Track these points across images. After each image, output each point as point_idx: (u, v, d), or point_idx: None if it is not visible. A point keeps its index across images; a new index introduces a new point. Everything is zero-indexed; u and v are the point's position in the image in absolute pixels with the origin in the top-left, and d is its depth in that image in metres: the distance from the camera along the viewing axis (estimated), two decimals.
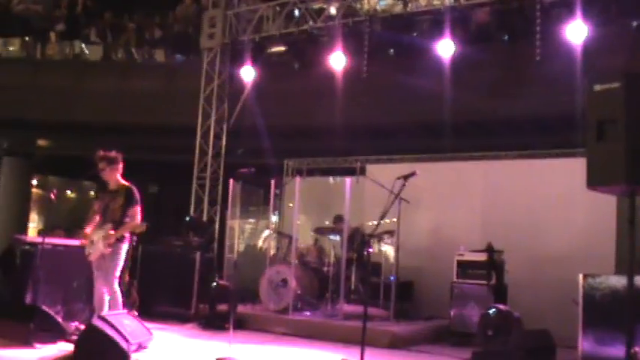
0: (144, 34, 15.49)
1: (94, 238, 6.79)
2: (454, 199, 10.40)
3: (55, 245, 8.11)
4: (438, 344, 8.52)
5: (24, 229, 15.90)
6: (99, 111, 14.16)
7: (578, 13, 9.12)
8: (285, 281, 9.29)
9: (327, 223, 10.40)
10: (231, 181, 10.72)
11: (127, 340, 6.01)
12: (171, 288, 9.79)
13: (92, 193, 17.99)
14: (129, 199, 6.87)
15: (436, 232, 10.40)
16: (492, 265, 8.57)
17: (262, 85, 12.02)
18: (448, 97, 10.60)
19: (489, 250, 8.64)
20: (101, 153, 7.03)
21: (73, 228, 10.79)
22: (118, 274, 6.86)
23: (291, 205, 10.70)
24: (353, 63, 10.95)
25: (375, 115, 12.36)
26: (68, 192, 19.60)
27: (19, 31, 15.64)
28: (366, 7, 11.17)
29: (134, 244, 7.41)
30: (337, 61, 10.92)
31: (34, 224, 17.76)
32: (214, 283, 9.46)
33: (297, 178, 10.40)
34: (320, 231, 10.24)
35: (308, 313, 9.31)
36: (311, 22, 11.44)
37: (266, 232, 10.79)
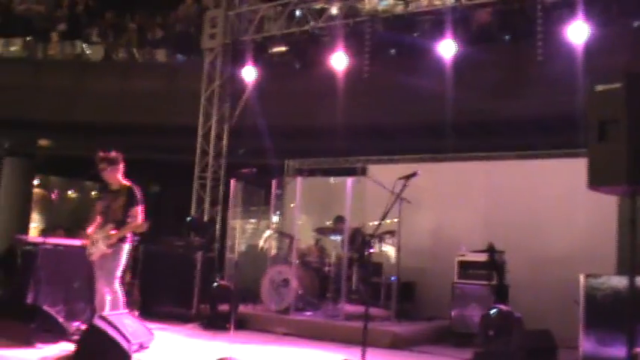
0: (145, 34, 15.52)
1: (96, 238, 6.79)
2: (455, 199, 10.39)
3: (56, 245, 8.11)
4: (439, 344, 8.51)
5: (25, 229, 15.94)
6: (100, 111, 14.18)
7: (580, 13, 9.12)
8: (286, 281, 9.29)
9: (328, 223, 10.40)
10: (232, 181, 10.73)
11: (128, 340, 6.01)
12: (172, 288, 9.79)
13: (93, 193, 18.03)
14: (131, 198, 6.87)
15: (437, 233, 10.38)
16: (494, 265, 8.55)
17: (263, 85, 12.03)
18: (449, 97, 10.59)
19: (491, 250, 8.62)
20: (101, 154, 7.02)
21: (75, 228, 10.81)
22: (119, 274, 6.86)
23: (292, 205, 10.70)
24: (354, 63, 10.96)
25: (376, 115, 12.37)
26: (69, 192, 19.64)
27: (20, 31, 15.67)
28: (367, 7, 11.18)
29: (136, 244, 7.41)
30: (338, 61, 10.92)
31: (35, 224, 17.79)
32: (215, 283, 9.46)
33: (299, 178, 10.39)
34: (321, 231, 10.23)
35: (309, 314, 9.30)
36: (312, 23, 11.44)
37: (267, 232, 10.77)
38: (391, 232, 9.17)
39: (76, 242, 7.79)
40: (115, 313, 6.56)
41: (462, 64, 10.41)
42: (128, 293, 7.45)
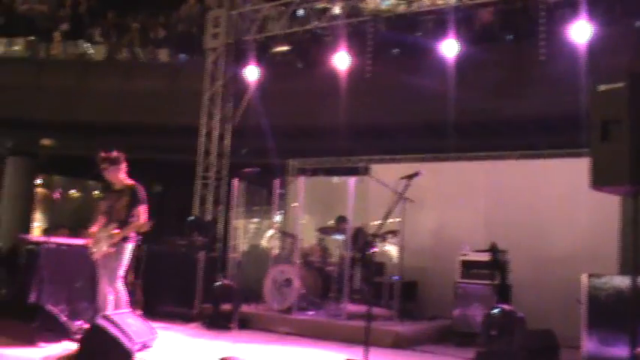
0: (148, 34, 15.54)
1: (99, 238, 6.80)
2: (458, 199, 10.38)
3: (59, 244, 8.11)
4: (441, 344, 8.51)
5: (28, 229, 15.97)
6: (103, 111, 14.21)
7: (583, 13, 9.10)
8: (288, 281, 9.29)
9: (330, 222, 10.40)
10: (235, 180, 10.73)
11: (130, 340, 6.01)
12: (175, 287, 9.80)
13: (96, 192, 18.05)
14: (134, 198, 6.87)
15: (440, 232, 10.38)
16: (496, 264, 8.54)
17: (266, 84, 12.02)
18: (452, 97, 10.59)
19: (493, 249, 8.61)
20: (102, 154, 7.03)
21: (77, 227, 10.83)
22: (122, 273, 6.87)
23: (294, 204, 10.70)
24: (357, 63, 10.95)
25: (378, 114, 12.37)
26: (72, 191, 19.66)
27: (23, 30, 15.71)
28: (369, 6, 11.17)
29: (139, 243, 7.42)
30: (341, 60, 10.92)
31: (38, 224, 17.81)
32: (218, 283, 9.46)
33: (301, 178, 10.40)
34: (324, 231, 10.23)
35: (312, 313, 9.30)
36: (315, 22, 11.43)
37: (270, 232, 10.79)
38: (394, 232, 9.16)
39: (79, 241, 7.80)
40: (118, 312, 6.58)
41: (465, 64, 10.40)
42: (131, 293, 7.45)
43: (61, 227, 12.57)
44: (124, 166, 7.05)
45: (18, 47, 15.57)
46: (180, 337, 8.20)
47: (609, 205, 8.24)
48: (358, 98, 11.64)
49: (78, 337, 6.52)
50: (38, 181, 17.77)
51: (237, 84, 12.48)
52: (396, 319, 8.87)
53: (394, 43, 11.37)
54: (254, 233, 14.34)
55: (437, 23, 10.51)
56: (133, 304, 7.98)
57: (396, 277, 9.17)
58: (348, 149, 12.19)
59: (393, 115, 12.33)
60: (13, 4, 16.16)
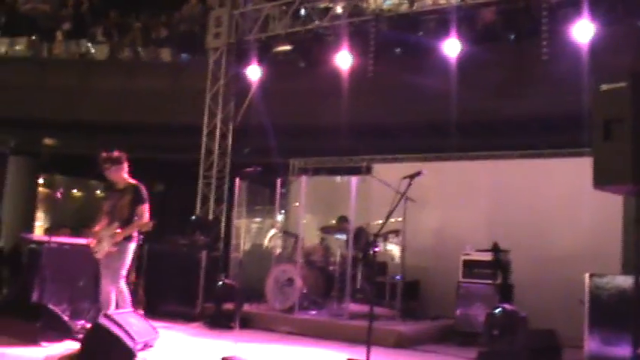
0: (150, 34, 15.56)
1: (101, 237, 6.80)
2: (460, 198, 10.38)
3: (61, 244, 8.12)
4: (443, 344, 8.50)
5: (30, 228, 15.95)
6: (105, 110, 14.21)
7: (585, 12, 9.10)
8: (290, 280, 9.29)
9: (332, 222, 10.40)
10: (237, 180, 10.73)
11: (132, 339, 6.02)
12: (177, 287, 9.80)
13: (98, 192, 18.04)
14: (137, 197, 6.87)
15: (442, 232, 10.38)
16: (498, 264, 8.54)
17: (268, 84, 12.03)
18: (454, 96, 10.59)
19: (495, 249, 8.61)
20: (104, 154, 7.02)
21: (80, 227, 10.83)
22: (124, 272, 6.87)
23: (296, 204, 10.71)
24: (359, 62, 10.95)
25: (381, 114, 12.37)
26: (74, 191, 19.65)
27: (25, 30, 15.72)
28: (372, 6, 11.17)
29: (141, 242, 7.42)
30: (343, 60, 10.92)
31: (40, 223, 17.80)
32: (220, 282, 9.47)
33: (303, 177, 10.40)
34: (326, 230, 10.23)
35: (314, 313, 9.30)
36: (317, 22, 11.44)
37: (272, 231, 10.79)
38: (396, 231, 9.17)
39: (81, 241, 7.80)
40: (120, 311, 6.57)
41: (467, 64, 10.39)
42: (133, 292, 7.45)
43: (63, 227, 12.57)
44: (126, 165, 7.05)
45: (20, 47, 15.57)
46: (182, 336, 8.21)
47: (612, 204, 8.22)
48: (360, 98, 11.64)
49: (80, 336, 6.51)
50: (40, 181, 17.74)
51: (239, 83, 12.49)
52: (398, 319, 8.87)
53: (396, 43, 11.36)
54: (256, 233, 14.34)
55: (439, 23, 10.50)
56: (135, 303, 7.99)
57: (398, 277, 9.17)
58: (350, 149, 12.19)
59: (395, 114, 12.33)
60: (16, 4, 16.17)
